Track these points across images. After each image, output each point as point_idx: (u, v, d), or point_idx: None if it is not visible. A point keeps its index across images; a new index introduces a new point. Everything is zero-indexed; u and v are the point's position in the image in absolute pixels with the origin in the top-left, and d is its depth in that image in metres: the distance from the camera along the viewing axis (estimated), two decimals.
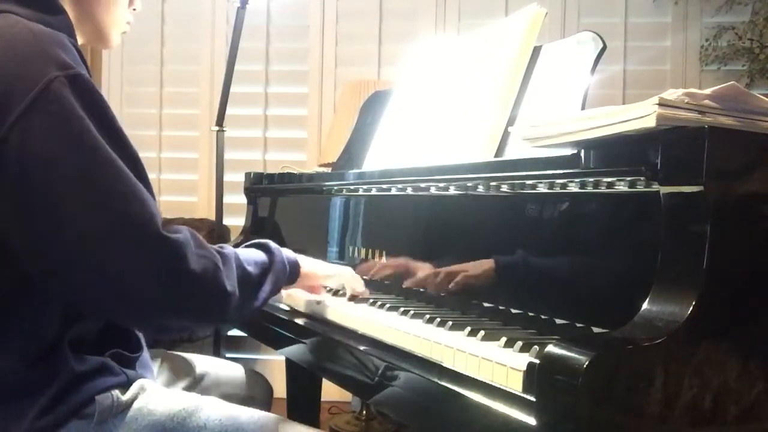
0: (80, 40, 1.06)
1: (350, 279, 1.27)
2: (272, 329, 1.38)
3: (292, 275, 1.13)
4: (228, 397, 1.13)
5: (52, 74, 0.85)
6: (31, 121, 0.83)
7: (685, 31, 2.86)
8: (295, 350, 1.33)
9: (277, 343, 1.45)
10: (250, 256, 1.03)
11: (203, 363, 1.32)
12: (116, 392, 0.96)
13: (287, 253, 1.12)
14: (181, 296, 0.89)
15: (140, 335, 1.06)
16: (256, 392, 1.32)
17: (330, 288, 1.33)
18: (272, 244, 1.10)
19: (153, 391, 1.02)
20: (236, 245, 1.11)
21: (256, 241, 1.11)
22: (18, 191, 0.84)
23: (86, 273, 0.85)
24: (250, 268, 1.00)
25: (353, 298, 1.26)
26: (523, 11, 1.33)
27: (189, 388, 1.24)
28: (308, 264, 1.19)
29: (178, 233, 0.89)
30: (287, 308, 1.37)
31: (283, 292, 1.23)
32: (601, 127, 0.81)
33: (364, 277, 1.37)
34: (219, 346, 2.17)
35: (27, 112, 0.83)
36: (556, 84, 1.22)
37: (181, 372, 1.27)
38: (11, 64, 0.86)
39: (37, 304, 0.92)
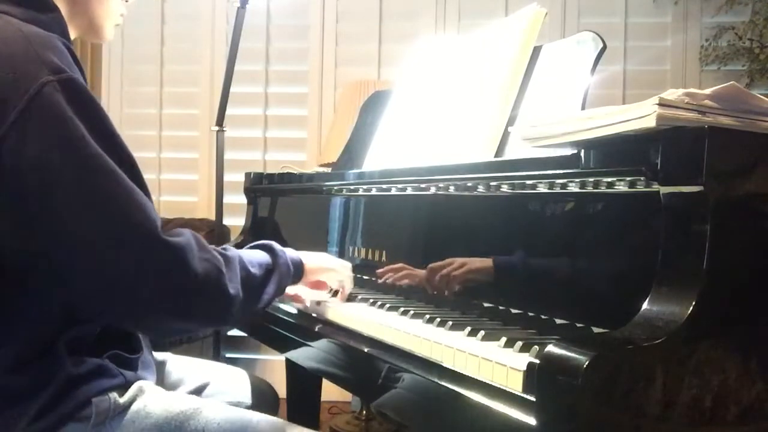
0: (74, 35, 1.04)
1: (348, 279, 1.27)
2: (272, 329, 1.38)
3: (296, 275, 1.13)
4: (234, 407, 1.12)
5: (44, 79, 0.84)
6: (24, 126, 0.83)
7: (685, 31, 2.86)
8: (295, 350, 1.33)
9: (277, 344, 1.45)
10: (254, 257, 1.03)
11: (207, 369, 1.31)
12: (114, 394, 0.96)
13: (291, 253, 1.13)
14: (184, 300, 0.88)
15: (141, 336, 1.06)
16: (262, 402, 1.31)
17: (330, 288, 1.33)
18: (276, 245, 1.10)
19: (151, 393, 1.01)
20: (237, 245, 1.11)
21: (260, 242, 1.11)
22: (15, 197, 0.83)
23: (88, 278, 0.85)
24: (254, 270, 1.00)
25: (344, 297, 1.27)
26: (523, 11, 1.33)
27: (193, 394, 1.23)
28: (312, 261, 1.19)
29: (179, 236, 0.88)
30: (287, 309, 1.37)
31: (289, 290, 1.23)
32: (601, 127, 0.81)
33: (372, 278, 1.36)
34: (219, 346, 2.17)
35: (20, 118, 0.83)
36: (556, 84, 1.22)
37: (187, 376, 1.26)
38: (3, 69, 0.85)
39: (32, 307, 0.91)
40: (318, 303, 1.27)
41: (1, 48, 0.86)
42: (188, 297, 0.88)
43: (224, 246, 1.00)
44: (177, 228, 0.92)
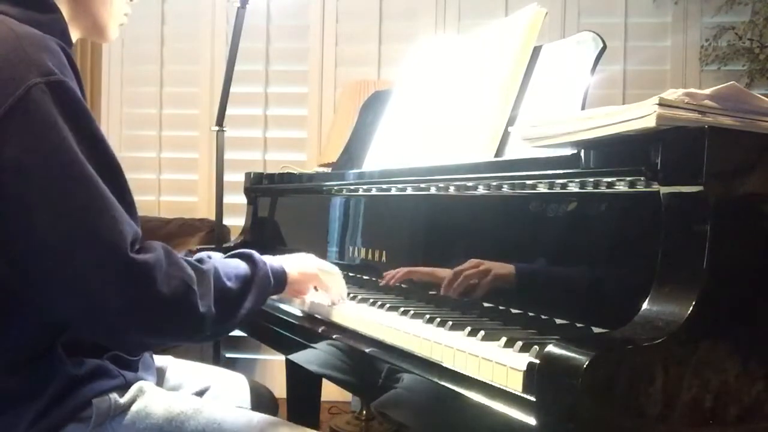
0: (77, 36, 1.04)
1: (334, 282, 1.24)
2: (272, 330, 1.38)
3: (277, 286, 1.09)
4: None
5: (32, 80, 0.83)
6: (8, 127, 0.82)
7: (685, 31, 2.86)
8: (295, 351, 1.33)
9: (277, 344, 1.45)
10: (232, 269, 1.00)
11: (207, 374, 1.31)
12: (114, 395, 0.96)
13: (272, 262, 1.09)
14: (150, 317, 0.87)
15: None
16: (260, 407, 1.30)
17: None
18: (256, 255, 1.07)
19: (152, 394, 1.01)
20: (237, 245, 1.11)
21: (240, 251, 1.08)
22: None
23: (57, 287, 0.84)
24: (230, 284, 0.97)
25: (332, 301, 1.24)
26: (523, 11, 1.33)
27: None
28: (295, 268, 1.15)
29: (148, 252, 0.87)
30: (287, 309, 1.37)
31: (306, 299, 1.21)
32: (601, 127, 0.81)
33: (373, 278, 1.36)
34: (219, 347, 2.17)
35: (5, 119, 0.82)
36: (556, 84, 1.22)
37: (187, 380, 1.26)
38: None
39: (29, 308, 0.90)
40: (312, 302, 1.26)
41: None
42: (156, 315, 0.87)
43: (200, 257, 0.98)
44: (150, 241, 0.90)
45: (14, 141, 0.82)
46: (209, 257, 1.00)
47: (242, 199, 2.03)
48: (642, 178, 0.81)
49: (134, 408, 0.98)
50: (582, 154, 0.88)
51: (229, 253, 1.09)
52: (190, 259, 0.95)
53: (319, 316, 1.25)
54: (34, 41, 0.87)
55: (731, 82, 0.79)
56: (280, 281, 1.10)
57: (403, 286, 1.28)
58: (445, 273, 1.16)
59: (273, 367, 2.98)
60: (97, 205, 0.84)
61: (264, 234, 1.92)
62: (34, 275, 0.85)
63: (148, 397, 1.00)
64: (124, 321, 0.85)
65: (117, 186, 0.88)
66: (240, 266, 1.02)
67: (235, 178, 2.23)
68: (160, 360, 1.23)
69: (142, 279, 0.84)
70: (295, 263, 1.16)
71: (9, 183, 0.82)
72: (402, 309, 1.12)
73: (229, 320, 0.98)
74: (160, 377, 1.18)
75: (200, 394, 1.25)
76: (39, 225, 0.82)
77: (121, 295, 0.84)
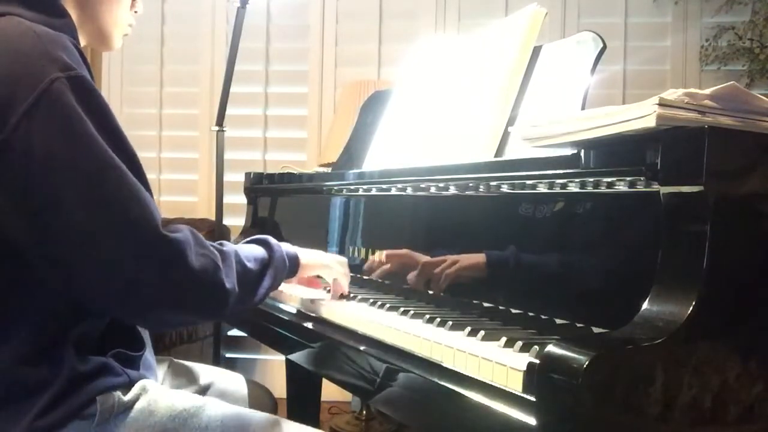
0: (82, 42, 1.07)
1: (342, 275, 1.28)
2: (272, 329, 1.38)
3: (291, 269, 1.15)
4: None
5: (53, 75, 0.86)
6: (33, 121, 0.85)
7: (685, 31, 2.86)
8: (295, 351, 1.33)
9: (277, 344, 1.45)
10: (250, 252, 1.05)
11: (208, 373, 1.32)
12: (118, 393, 0.96)
13: (287, 247, 1.15)
14: (182, 293, 0.91)
15: (144, 335, 1.06)
16: (259, 407, 1.30)
17: (325, 286, 1.33)
18: (272, 240, 1.12)
19: (155, 392, 1.01)
20: (236, 243, 1.11)
21: (257, 237, 1.13)
22: (22, 190, 0.85)
23: (91, 270, 0.87)
24: (250, 265, 1.02)
25: (340, 296, 1.28)
26: (523, 11, 1.33)
27: None
28: (307, 256, 1.21)
29: (178, 232, 0.91)
30: (287, 309, 1.37)
31: (284, 288, 1.24)
32: (601, 127, 0.81)
33: (365, 276, 1.37)
34: (219, 347, 2.17)
35: (29, 113, 0.84)
36: (556, 84, 1.22)
37: (186, 381, 1.27)
38: (15, 65, 0.87)
39: (39, 303, 0.92)
40: (312, 301, 1.27)
41: (14, 44, 0.89)
42: (186, 290, 0.91)
43: (221, 242, 1.02)
44: (174, 224, 0.94)
45: (41, 132, 0.85)
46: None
47: (242, 199, 2.03)
48: (642, 178, 0.81)
49: (137, 406, 0.98)
50: (582, 154, 0.88)
51: (244, 239, 1.14)
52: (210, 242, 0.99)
53: (319, 316, 1.25)
54: (52, 39, 0.90)
55: (731, 82, 0.79)
56: (293, 265, 1.16)
57: (404, 287, 1.28)
58: (444, 270, 1.17)
59: (273, 367, 2.98)
60: (125, 189, 0.88)
61: (264, 234, 1.92)
62: (68, 261, 0.87)
63: (151, 395, 1.00)
64: (158, 296, 0.89)
65: (138, 175, 0.91)
66: (257, 250, 1.08)
67: (235, 178, 2.23)
68: (160, 360, 1.23)
69: (175, 255, 0.89)
70: (307, 252, 1.22)
71: (38, 173, 0.85)
72: (402, 309, 1.12)
73: (249, 299, 1.03)
74: (160, 378, 1.18)
75: (200, 393, 1.25)
76: (71, 212, 0.85)
77: (155, 272, 0.88)
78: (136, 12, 1.13)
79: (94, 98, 0.89)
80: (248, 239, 1.13)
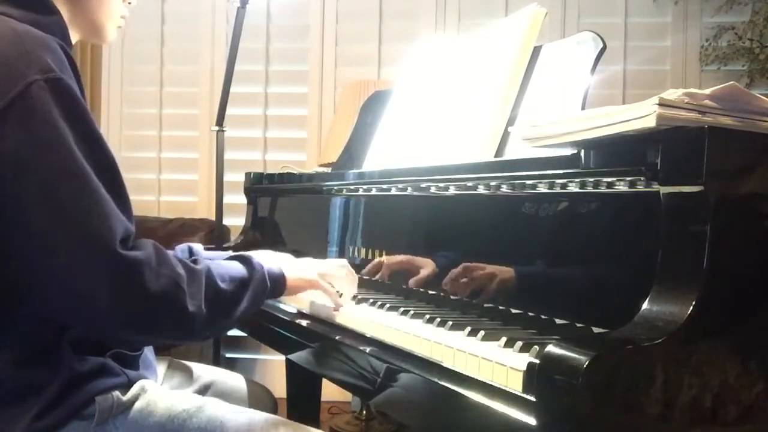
0: (76, 37, 1.05)
1: (343, 280, 1.22)
2: (272, 330, 1.38)
3: (274, 289, 1.08)
4: None
5: (31, 78, 0.84)
6: (6, 122, 0.83)
7: (685, 31, 2.86)
8: (295, 351, 1.33)
9: (277, 344, 1.45)
10: (227, 271, 1.00)
11: (208, 372, 1.32)
12: (117, 393, 0.96)
13: (271, 266, 1.08)
14: (139, 315, 0.88)
15: None
16: (259, 407, 1.30)
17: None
18: (254, 258, 1.06)
19: (154, 392, 1.01)
20: (237, 246, 1.11)
21: (240, 253, 1.09)
22: None
23: (48, 279, 0.85)
24: (224, 285, 0.97)
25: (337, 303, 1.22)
26: (523, 11, 1.33)
27: None
28: (295, 273, 1.14)
29: (139, 250, 0.87)
30: (287, 309, 1.37)
31: (304, 297, 1.19)
32: (601, 127, 0.81)
33: (365, 277, 1.36)
34: (219, 347, 2.17)
35: (3, 113, 0.83)
36: (556, 84, 1.22)
37: (186, 380, 1.27)
38: None
39: (33, 303, 0.91)
40: (312, 303, 1.26)
41: None
42: (143, 311, 0.88)
43: (195, 258, 0.99)
44: (142, 239, 0.90)
45: (12, 135, 0.83)
46: (204, 257, 1.01)
47: (242, 199, 2.03)
48: (642, 178, 0.81)
49: (137, 406, 0.98)
50: (582, 154, 0.88)
51: (228, 255, 1.09)
52: (184, 258, 0.96)
53: (319, 316, 1.25)
54: (34, 39, 0.88)
55: (731, 82, 0.79)
56: (277, 285, 1.09)
57: (404, 287, 1.28)
58: (444, 271, 1.17)
59: (273, 367, 2.98)
60: (88, 200, 0.85)
61: (264, 234, 1.92)
62: (27, 269, 0.86)
63: (150, 396, 1.00)
64: (113, 317, 0.86)
65: (112, 184, 0.89)
66: (235, 268, 1.02)
67: (235, 178, 2.23)
68: (160, 359, 1.23)
69: (129, 275, 0.85)
70: (295, 268, 1.16)
71: (6, 176, 0.83)
72: (402, 309, 1.12)
73: (221, 321, 0.98)
74: (159, 377, 1.18)
75: (200, 393, 1.25)
76: (31, 218, 0.83)
77: (108, 290, 0.84)
78: (129, 3, 1.10)
79: (73, 103, 0.87)
80: (230, 255, 1.09)
